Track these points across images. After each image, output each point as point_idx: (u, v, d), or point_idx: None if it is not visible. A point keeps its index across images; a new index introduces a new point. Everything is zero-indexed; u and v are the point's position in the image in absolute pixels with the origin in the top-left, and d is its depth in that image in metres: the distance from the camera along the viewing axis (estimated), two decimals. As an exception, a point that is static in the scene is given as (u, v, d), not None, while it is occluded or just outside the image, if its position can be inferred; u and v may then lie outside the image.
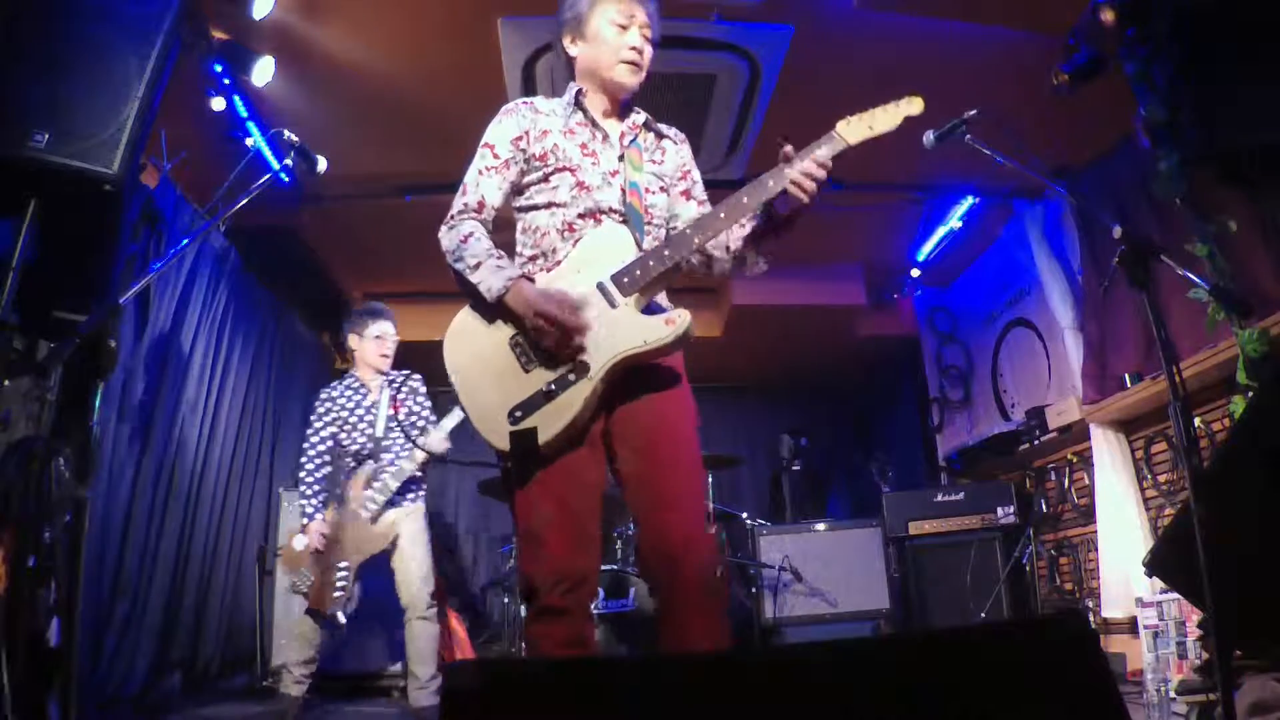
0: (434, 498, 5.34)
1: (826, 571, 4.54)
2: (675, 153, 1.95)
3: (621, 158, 1.82)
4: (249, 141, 3.60)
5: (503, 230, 1.86)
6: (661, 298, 1.81)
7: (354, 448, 3.37)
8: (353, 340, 3.55)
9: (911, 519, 4.50)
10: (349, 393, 3.47)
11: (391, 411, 3.42)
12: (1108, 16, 2.87)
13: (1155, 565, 1.95)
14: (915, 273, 5.62)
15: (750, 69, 3.63)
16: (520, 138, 1.81)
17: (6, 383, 2.02)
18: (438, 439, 3.35)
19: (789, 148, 1.68)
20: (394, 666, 4.17)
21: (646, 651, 3.41)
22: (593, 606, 2.30)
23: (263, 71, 3.29)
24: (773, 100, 3.80)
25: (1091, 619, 3.78)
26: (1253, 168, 2.58)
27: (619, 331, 1.64)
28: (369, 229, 4.87)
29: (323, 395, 3.48)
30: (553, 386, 1.61)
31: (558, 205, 1.77)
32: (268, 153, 3.45)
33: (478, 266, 1.67)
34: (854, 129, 1.71)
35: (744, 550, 4.81)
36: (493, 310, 1.68)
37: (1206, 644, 2.45)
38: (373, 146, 4.08)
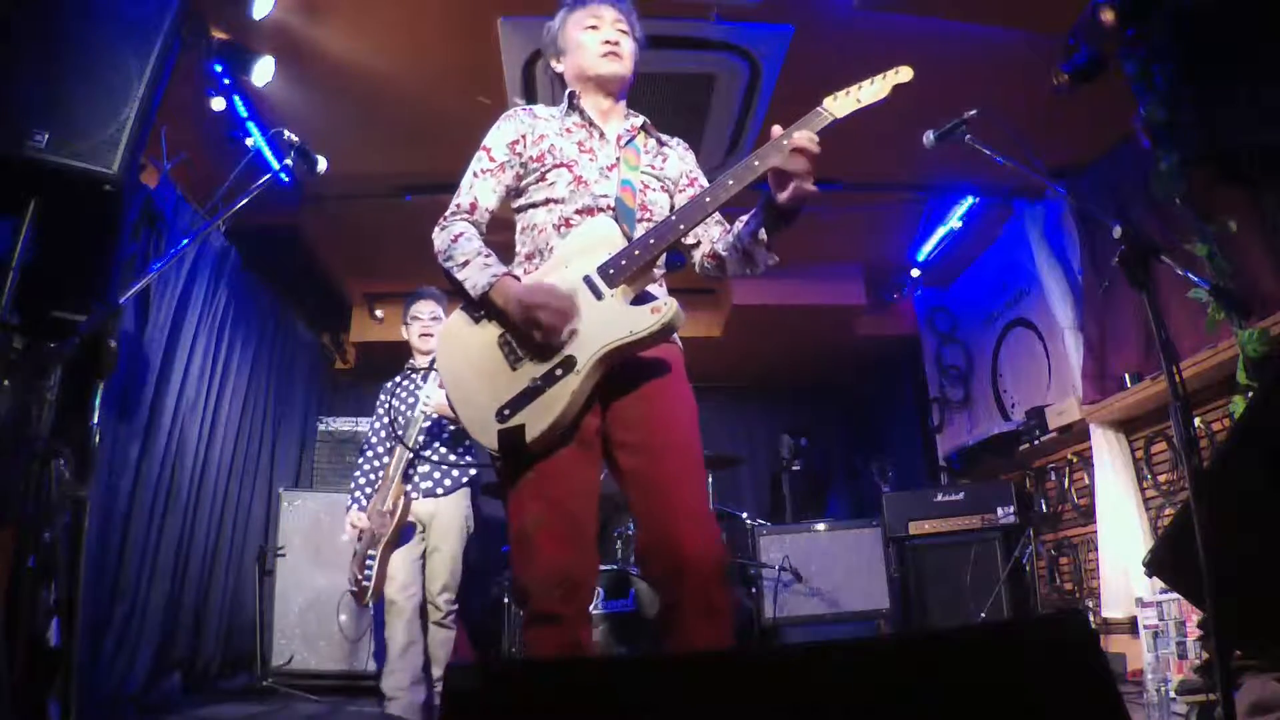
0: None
1: (826, 572, 4.54)
2: (679, 159, 1.95)
3: (618, 157, 1.83)
4: (249, 141, 3.61)
5: (502, 231, 1.86)
6: (655, 289, 1.78)
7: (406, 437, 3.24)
8: (403, 330, 3.48)
9: (911, 519, 4.50)
10: (404, 382, 3.38)
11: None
12: (1107, 16, 2.88)
13: (1155, 565, 1.94)
14: (915, 273, 5.62)
15: (750, 69, 3.63)
16: (517, 141, 1.82)
17: (6, 383, 2.02)
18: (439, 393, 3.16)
19: (776, 127, 1.68)
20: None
21: (646, 651, 3.41)
22: (592, 607, 2.26)
23: (263, 71, 3.30)
24: (773, 100, 3.79)
25: (1091, 619, 3.78)
26: (1253, 168, 2.59)
27: (605, 323, 1.61)
28: (369, 229, 4.86)
29: (386, 386, 3.41)
30: (539, 382, 1.58)
31: (555, 201, 1.77)
32: (268, 153, 3.45)
33: (465, 265, 1.67)
34: (841, 103, 1.72)
35: (744, 550, 4.80)
36: (481, 310, 1.67)
37: (1206, 644, 2.45)
38: (373, 146, 4.08)
